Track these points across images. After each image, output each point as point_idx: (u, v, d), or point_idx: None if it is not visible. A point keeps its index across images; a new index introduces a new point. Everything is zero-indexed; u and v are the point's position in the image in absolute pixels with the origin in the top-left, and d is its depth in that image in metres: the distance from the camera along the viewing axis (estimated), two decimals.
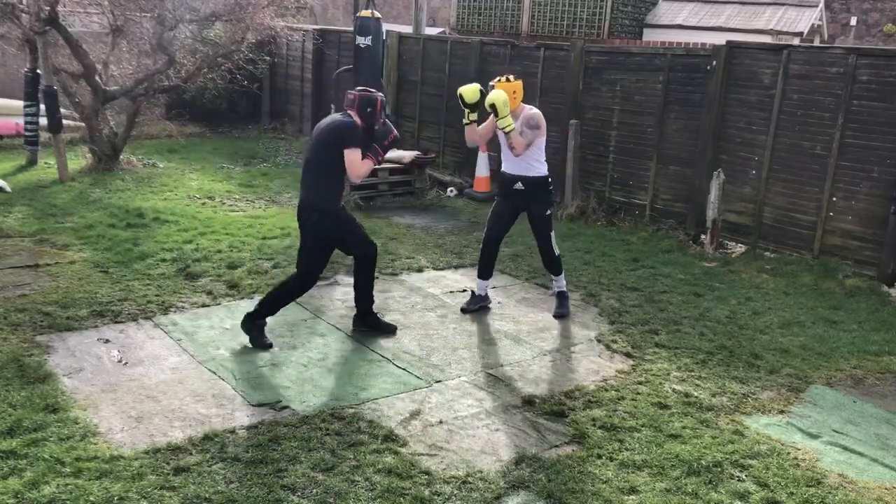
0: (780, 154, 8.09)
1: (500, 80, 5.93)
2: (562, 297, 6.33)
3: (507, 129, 5.80)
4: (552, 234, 6.19)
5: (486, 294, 6.34)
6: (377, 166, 6.04)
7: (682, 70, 8.91)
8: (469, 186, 10.82)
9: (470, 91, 5.91)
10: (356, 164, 5.14)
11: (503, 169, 6.22)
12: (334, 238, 5.39)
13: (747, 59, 8.33)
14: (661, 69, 9.05)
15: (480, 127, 6.13)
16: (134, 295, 6.07)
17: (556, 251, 6.24)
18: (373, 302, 5.69)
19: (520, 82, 5.99)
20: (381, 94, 5.36)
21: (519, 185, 6.06)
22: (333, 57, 13.65)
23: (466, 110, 5.99)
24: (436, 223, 9.21)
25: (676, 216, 9.03)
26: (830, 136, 7.67)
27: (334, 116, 5.38)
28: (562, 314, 6.22)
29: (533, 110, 6.02)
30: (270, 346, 5.26)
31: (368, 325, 5.68)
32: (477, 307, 6.24)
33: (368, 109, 5.22)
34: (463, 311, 6.20)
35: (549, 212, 6.16)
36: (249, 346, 5.29)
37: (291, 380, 4.86)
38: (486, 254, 6.27)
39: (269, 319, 5.43)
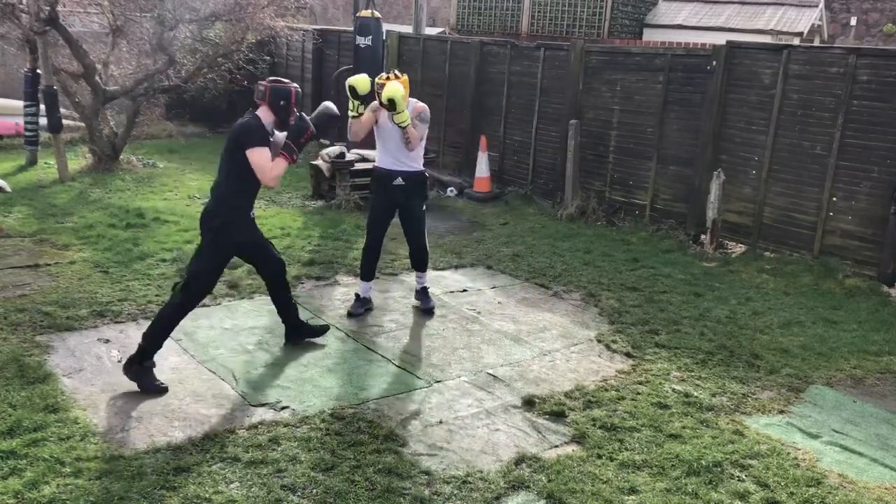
0: (780, 154, 8.09)
1: (387, 77, 5.73)
2: (426, 293, 6.27)
3: (403, 124, 5.64)
4: (425, 229, 6.17)
5: (370, 298, 6.20)
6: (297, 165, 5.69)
7: (682, 70, 8.90)
8: (469, 186, 10.82)
9: (362, 82, 5.70)
10: (264, 166, 4.63)
11: (380, 164, 6.02)
12: (238, 250, 4.93)
13: (747, 59, 8.33)
14: (661, 69, 9.05)
15: (363, 119, 5.84)
16: (134, 295, 6.07)
17: (428, 245, 6.22)
18: (297, 312, 5.40)
19: (406, 77, 5.83)
20: (294, 84, 4.84)
21: (399, 181, 5.93)
22: (333, 57, 13.66)
23: (356, 102, 5.76)
24: (435, 223, 9.19)
25: (676, 216, 9.03)
26: (830, 136, 7.67)
27: (243, 117, 4.81)
28: (430, 308, 6.18)
29: (421, 104, 5.94)
30: (166, 389, 4.59)
31: (305, 335, 5.41)
32: (363, 310, 6.07)
33: (282, 102, 4.71)
34: (349, 315, 5.97)
35: (424, 207, 6.13)
36: (250, 349, 5.29)
37: (291, 380, 4.86)
38: (370, 256, 6.11)
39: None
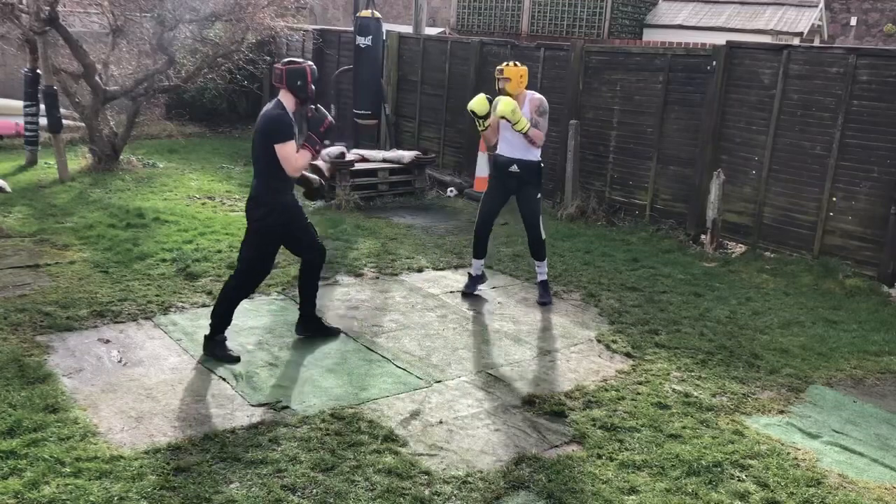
0: (780, 154, 8.09)
1: (507, 65, 6.23)
2: (545, 286, 6.55)
3: (522, 131, 6.10)
4: (541, 217, 6.47)
5: (483, 273, 6.61)
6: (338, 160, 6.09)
7: (682, 70, 8.91)
8: (469, 186, 10.82)
9: (480, 105, 6.25)
10: (290, 158, 4.86)
11: (499, 152, 6.41)
12: (281, 235, 5.13)
13: (747, 59, 8.33)
14: (661, 69, 9.05)
15: (490, 124, 6.37)
16: (134, 295, 6.07)
17: (544, 235, 6.51)
18: (315, 306, 5.54)
19: (525, 68, 6.30)
20: (309, 62, 4.99)
21: (514, 168, 6.31)
22: (333, 57, 13.66)
23: (480, 120, 6.32)
24: (436, 223, 9.20)
25: (676, 216, 9.03)
26: (830, 136, 7.67)
27: (267, 106, 5.01)
28: (545, 302, 6.45)
29: (537, 95, 6.33)
30: (238, 358, 5.00)
31: (312, 331, 5.51)
32: (475, 288, 6.51)
33: (299, 82, 4.88)
34: (463, 294, 6.44)
35: (539, 195, 6.44)
36: (250, 349, 5.29)
37: (291, 380, 4.86)
38: (481, 233, 6.51)
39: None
